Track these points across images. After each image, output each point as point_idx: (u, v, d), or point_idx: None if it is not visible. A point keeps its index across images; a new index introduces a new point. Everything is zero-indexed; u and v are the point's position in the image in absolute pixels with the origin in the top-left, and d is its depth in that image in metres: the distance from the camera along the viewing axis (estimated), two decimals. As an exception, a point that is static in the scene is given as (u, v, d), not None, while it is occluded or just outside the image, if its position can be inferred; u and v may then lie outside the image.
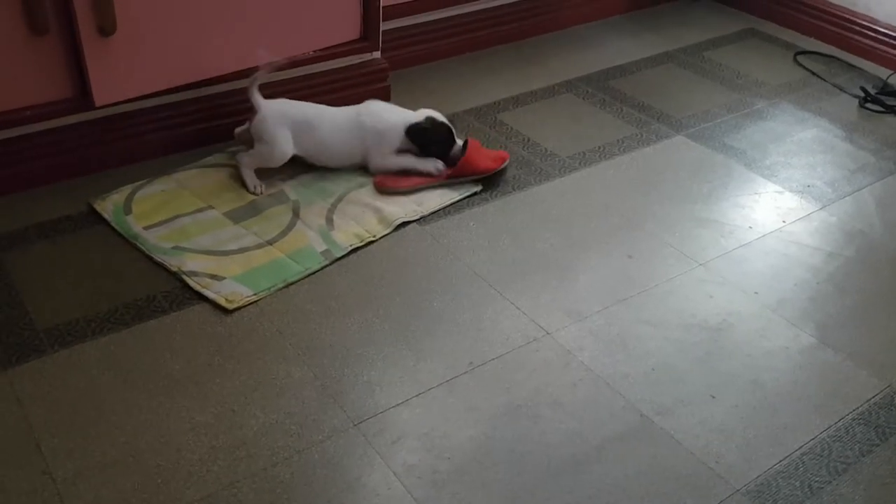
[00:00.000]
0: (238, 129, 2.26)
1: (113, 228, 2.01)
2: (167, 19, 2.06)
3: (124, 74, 2.06)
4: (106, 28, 1.96)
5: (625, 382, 1.70)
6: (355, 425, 1.57)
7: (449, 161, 2.23)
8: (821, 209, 2.25)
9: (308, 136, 2.17)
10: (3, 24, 1.89)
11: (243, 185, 2.15)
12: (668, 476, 1.51)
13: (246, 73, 2.29)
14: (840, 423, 1.64)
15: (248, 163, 2.16)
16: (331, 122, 2.20)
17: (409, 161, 2.22)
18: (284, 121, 2.15)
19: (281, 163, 2.16)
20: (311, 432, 1.56)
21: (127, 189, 2.12)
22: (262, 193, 2.14)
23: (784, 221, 2.19)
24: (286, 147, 2.14)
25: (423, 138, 2.21)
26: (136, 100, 2.16)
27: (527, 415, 1.62)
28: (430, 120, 2.23)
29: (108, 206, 2.06)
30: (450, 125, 2.24)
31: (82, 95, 2.06)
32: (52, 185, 2.14)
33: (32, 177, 2.11)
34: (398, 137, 2.21)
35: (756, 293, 1.95)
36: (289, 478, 1.47)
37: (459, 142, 2.25)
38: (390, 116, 2.24)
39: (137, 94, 2.13)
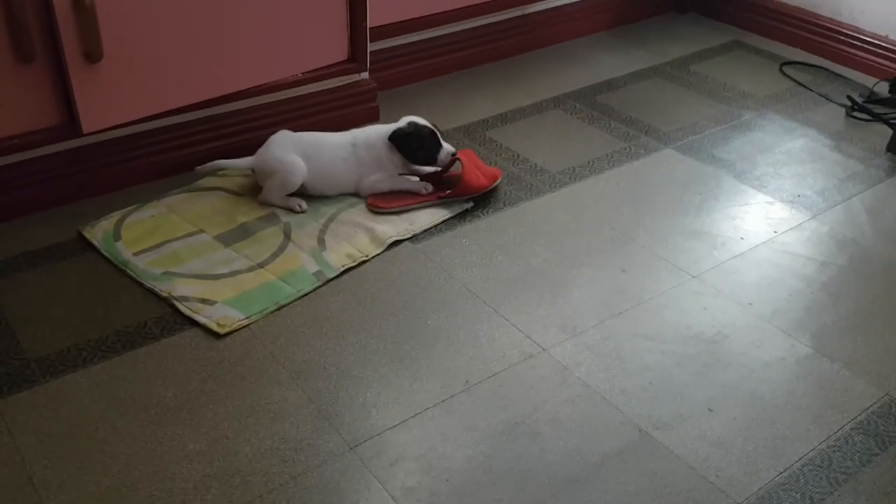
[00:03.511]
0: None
1: (103, 255, 1.99)
2: (154, 45, 2.06)
3: (112, 100, 2.05)
4: (93, 54, 1.95)
5: (622, 397, 1.69)
6: (352, 448, 1.56)
7: (438, 165, 2.21)
8: (812, 218, 2.25)
9: (309, 167, 2.15)
10: (-11, 52, 1.89)
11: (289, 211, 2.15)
12: (668, 492, 1.50)
13: (234, 96, 2.30)
14: (839, 433, 1.63)
15: (273, 199, 2.15)
16: (328, 151, 2.19)
17: (399, 181, 2.22)
18: (288, 147, 2.15)
19: (300, 181, 2.14)
20: (306, 457, 1.54)
21: (116, 215, 2.11)
22: (302, 209, 2.15)
23: (775, 232, 2.20)
24: (299, 167, 2.12)
25: (407, 144, 2.18)
26: (125, 126, 2.15)
27: (525, 433, 1.60)
28: (412, 125, 2.20)
29: (97, 232, 2.05)
30: (433, 128, 2.19)
31: (70, 122, 2.05)
32: (40, 212, 2.12)
33: (21, 205, 2.10)
34: (393, 164, 2.21)
35: (750, 304, 1.94)
36: (285, 504, 1.45)
37: (448, 146, 2.21)
38: (385, 142, 2.21)
39: (125, 120, 2.12)
